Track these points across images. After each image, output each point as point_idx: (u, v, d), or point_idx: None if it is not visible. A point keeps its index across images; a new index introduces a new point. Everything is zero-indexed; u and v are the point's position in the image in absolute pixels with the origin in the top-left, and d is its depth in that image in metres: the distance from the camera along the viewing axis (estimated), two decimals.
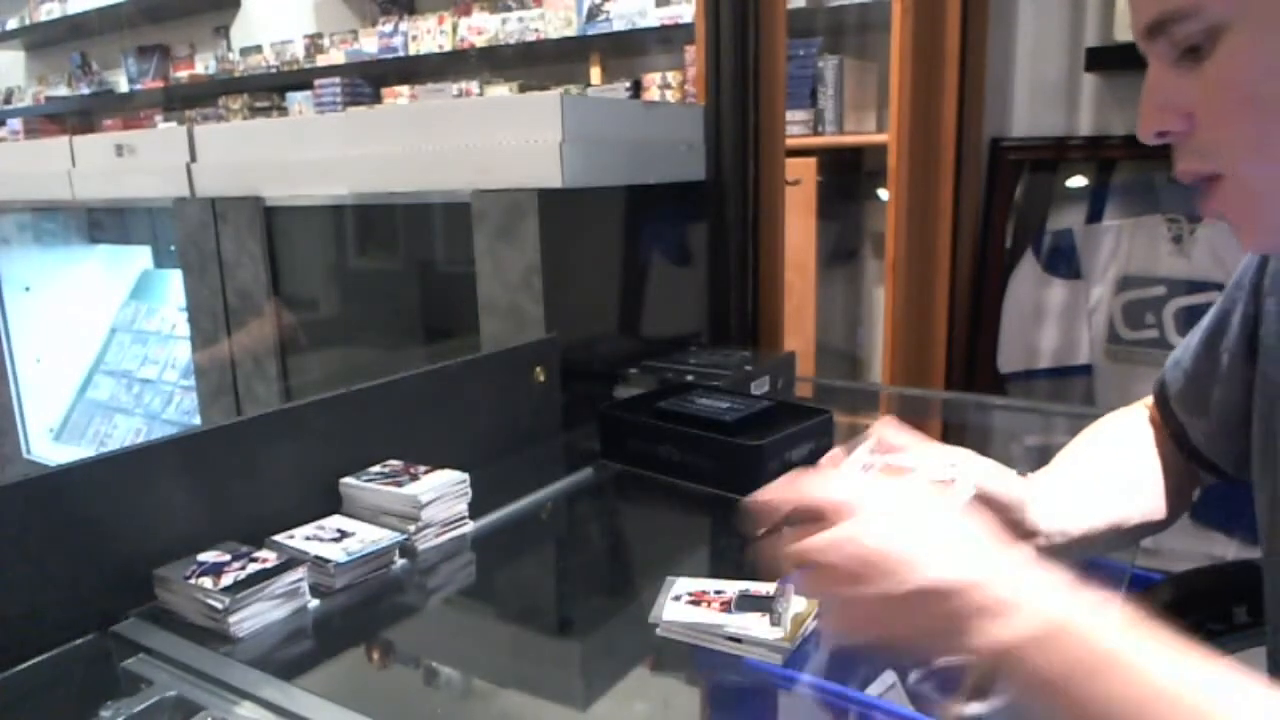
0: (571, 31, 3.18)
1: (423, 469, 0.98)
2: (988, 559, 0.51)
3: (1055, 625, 0.47)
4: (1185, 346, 0.82)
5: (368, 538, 0.89)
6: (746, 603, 0.74)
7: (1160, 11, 0.55)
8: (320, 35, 3.98)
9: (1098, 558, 0.82)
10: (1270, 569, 0.70)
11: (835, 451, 0.67)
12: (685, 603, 0.75)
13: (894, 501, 0.55)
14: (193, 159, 1.83)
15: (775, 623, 0.71)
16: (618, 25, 3.07)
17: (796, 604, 0.73)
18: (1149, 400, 0.86)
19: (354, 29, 3.89)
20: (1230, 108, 0.55)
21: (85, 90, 5.13)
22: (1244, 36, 0.53)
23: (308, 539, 0.88)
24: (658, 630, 0.73)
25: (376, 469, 0.99)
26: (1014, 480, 0.71)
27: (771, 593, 0.74)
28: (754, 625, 0.71)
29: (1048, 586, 0.50)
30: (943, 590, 0.49)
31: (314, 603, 0.82)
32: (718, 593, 0.76)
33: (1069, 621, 0.48)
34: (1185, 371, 0.80)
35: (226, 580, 0.78)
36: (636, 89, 3.09)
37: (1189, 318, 1.89)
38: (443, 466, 0.99)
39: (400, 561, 0.90)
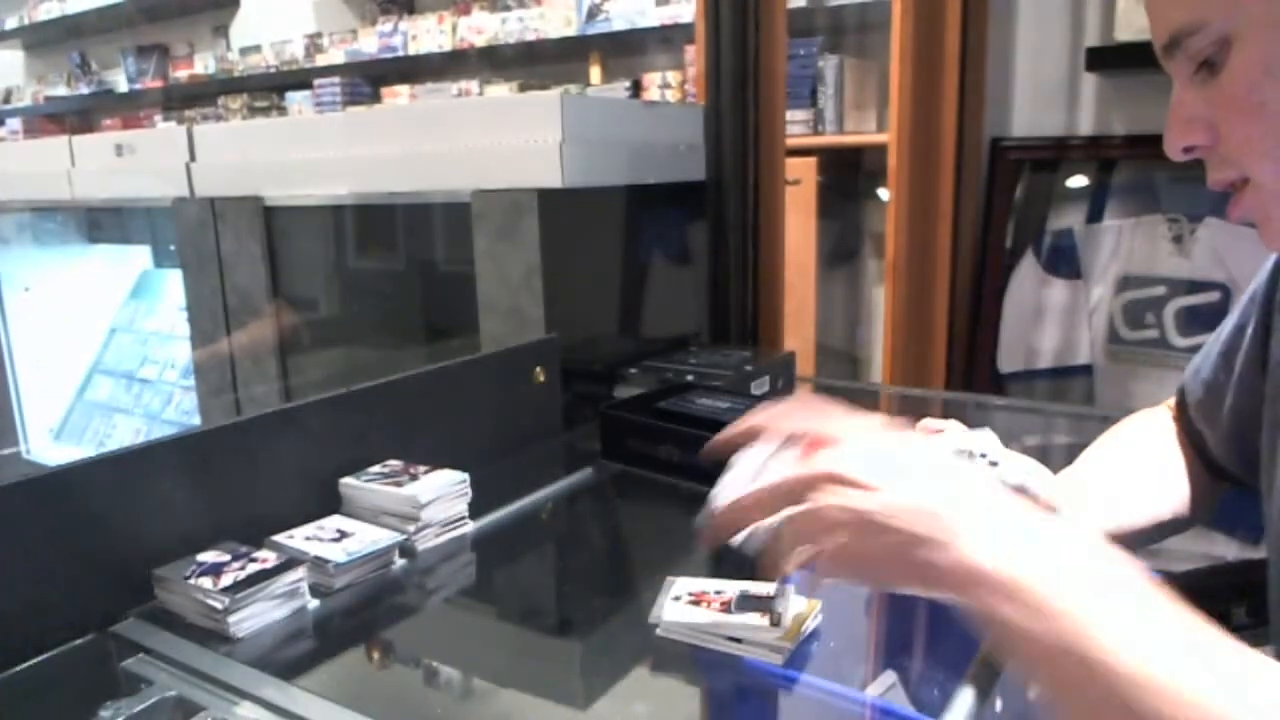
0: (571, 31, 3.18)
1: (423, 469, 0.98)
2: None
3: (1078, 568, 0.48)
4: (1205, 355, 0.83)
5: (367, 538, 0.89)
6: (746, 603, 0.74)
7: (1171, 29, 0.57)
8: (319, 35, 3.98)
9: None
10: (1278, 575, 0.70)
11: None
12: (685, 603, 0.75)
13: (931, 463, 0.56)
14: (192, 159, 1.83)
15: (775, 623, 0.70)
16: (617, 25, 3.07)
17: (796, 604, 0.73)
18: (1171, 402, 0.88)
19: (353, 28, 3.89)
20: (1241, 114, 0.57)
21: (84, 90, 5.13)
22: (1250, 45, 0.55)
23: (307, 539, 0.88)
24: (658, 630, 0.73)
25: (376, 469, 0.99)
26: (1047, 475, 0.74)
27: (771, 593, 0.74)
28: (754, 625, 0.71)
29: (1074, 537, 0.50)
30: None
31: (314, 603, 0.82)
32: (718, 593, 0.76)
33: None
34: (1204, 381, 0.81)
35: (226, 580, 0.77)
36: (636, 89, 3.09)
37: (1189, 318, 1.89)
38: (443, 466, 0.99)
39: (400, 562, 0.90)
